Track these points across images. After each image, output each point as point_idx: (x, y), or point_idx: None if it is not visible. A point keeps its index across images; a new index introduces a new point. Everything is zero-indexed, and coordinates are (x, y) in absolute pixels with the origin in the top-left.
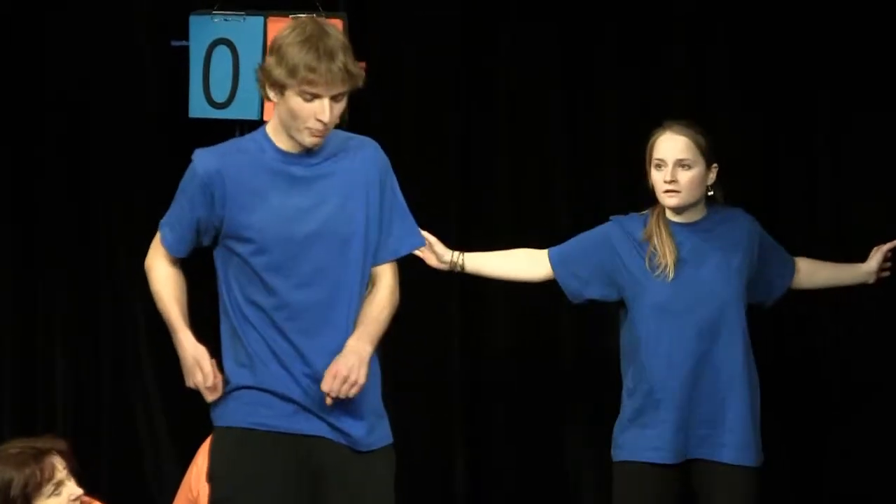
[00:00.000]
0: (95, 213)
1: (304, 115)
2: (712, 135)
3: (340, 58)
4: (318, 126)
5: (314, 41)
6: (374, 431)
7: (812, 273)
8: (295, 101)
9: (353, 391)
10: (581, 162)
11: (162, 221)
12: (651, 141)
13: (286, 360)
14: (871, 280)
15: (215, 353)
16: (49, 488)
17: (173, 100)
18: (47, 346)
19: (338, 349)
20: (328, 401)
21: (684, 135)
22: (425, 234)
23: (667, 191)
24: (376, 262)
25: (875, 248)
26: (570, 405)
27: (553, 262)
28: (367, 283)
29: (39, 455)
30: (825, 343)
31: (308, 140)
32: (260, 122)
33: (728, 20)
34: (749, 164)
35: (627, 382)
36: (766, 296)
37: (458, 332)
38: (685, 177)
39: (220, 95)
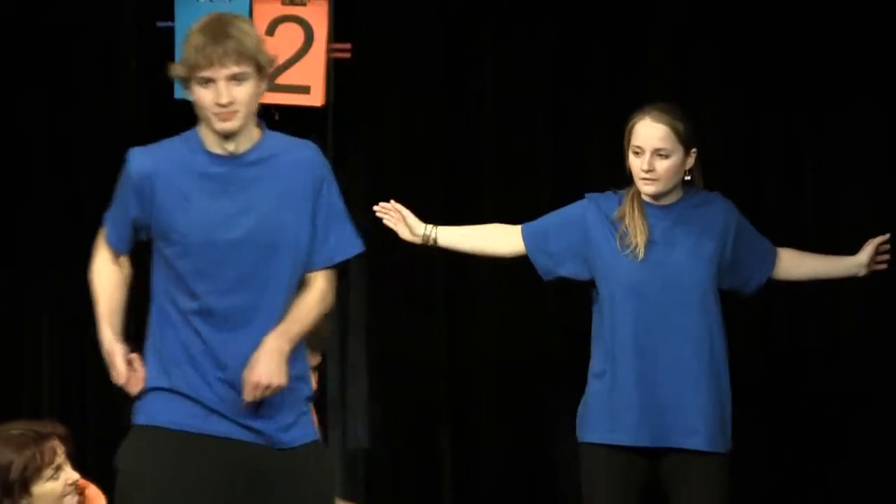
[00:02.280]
0: (86, 207)
1: (206, 102)
2: (694, 120)
3: (231, 39)
4: (221, 110)
5: (207, 27)
6: (293, 428)
7: (797, 265)
8: (195, 90)
9: (270, 392)
10: (572, 161)
11: (105, 216)
12: (630, 125)
13: (201, 363)
14: (862, 273)
15: None
16: (48, 472)
17: (159, 81)
18: (34, 344)
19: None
20: (244, 404)
21: (663, 122)
22: (397, 206)
23: (644, 178)
24: (310, 268)
25: (868, 241)
26: (558, 398)
27: (525, 237)
28: (297, 289)
29: (40, 439)
30: (812, 340)
31: (218, 125)
32: None
33: (717, 19)
34: (738, 161)
35: (594, 363)
36: (744, 284)
37: (444, 329)
38: (662, 165)
39: None
